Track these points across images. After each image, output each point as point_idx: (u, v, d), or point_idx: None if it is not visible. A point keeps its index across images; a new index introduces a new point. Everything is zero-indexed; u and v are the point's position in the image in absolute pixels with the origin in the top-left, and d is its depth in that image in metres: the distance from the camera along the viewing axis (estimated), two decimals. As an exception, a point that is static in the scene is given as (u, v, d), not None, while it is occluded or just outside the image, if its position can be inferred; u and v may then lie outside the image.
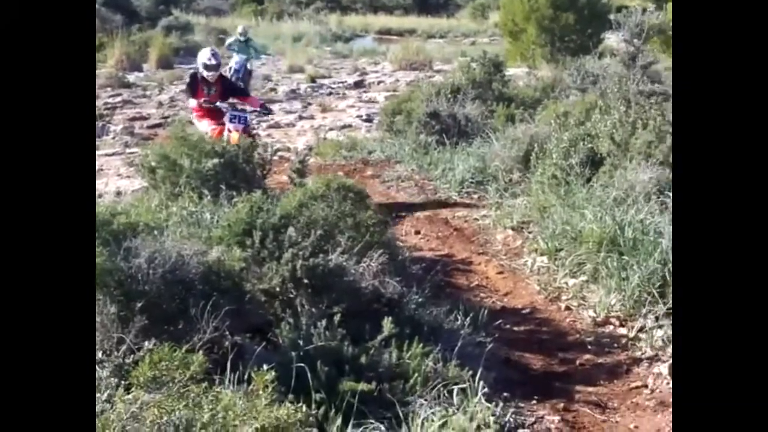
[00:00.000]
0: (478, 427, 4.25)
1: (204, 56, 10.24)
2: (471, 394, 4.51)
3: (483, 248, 8.26)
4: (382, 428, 4.15)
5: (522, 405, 4.99)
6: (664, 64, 14.55)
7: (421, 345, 4.87)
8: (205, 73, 10.15)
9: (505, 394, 4.99)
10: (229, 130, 9.63)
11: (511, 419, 4.68)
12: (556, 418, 4.89)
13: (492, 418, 4.37)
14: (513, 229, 8.55)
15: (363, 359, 4.64)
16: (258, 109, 10.49)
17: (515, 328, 6.27)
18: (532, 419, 4.86)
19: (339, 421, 4.08)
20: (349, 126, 16.20)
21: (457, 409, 4.38)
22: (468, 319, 5.69)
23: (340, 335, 4.74)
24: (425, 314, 5.63)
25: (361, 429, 4.14)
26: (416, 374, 4.66)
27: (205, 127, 10.05)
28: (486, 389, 4.63)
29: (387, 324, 4.85)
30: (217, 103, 10.03)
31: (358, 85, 22.66)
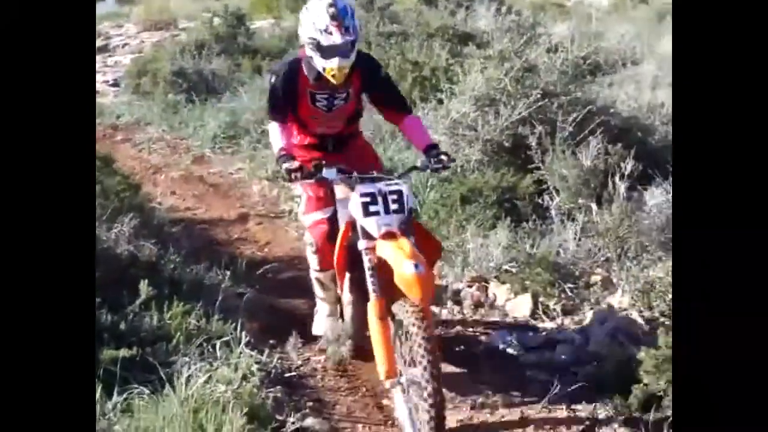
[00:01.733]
0: (244, 376, 4.27)
1: (316, 20, 4.51)
2: (234, 346, 4.52)
3: (240, 201, 8.25)
4: (146, 391, 4.10)
5: (288, 349, 5.05)
6: (402, 5, 14.91)
7: (182, 304, 4.84)
8: (326, 65, 4.56)
9: (271, 341, 5.05)
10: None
11: (278, 364, 4.74)
12: (322, 357, 5.00)
13: (256, 366, 4.41)
14: (268, 179, 8.57)
15: (122, 326, 4.56)
16: (433, 155, 4.58)
17: (278, 276, 6.32)
18: (299, 362, 4.95)
19: (99, 390, 3.99)
20: (96, 92, 15.58)
21: (221, 363, 4.38)
22: (228, 272, 5.68)
23: (97, 304, 4.61)
24: (185, 273, 5.58)
25: (125, 395, 4.06)
26: (179, 333, 4.63)
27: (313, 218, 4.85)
28: (250, 339, 4.66)
29: (143, 287, 4.79)
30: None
31: (101, 50, 21.76)
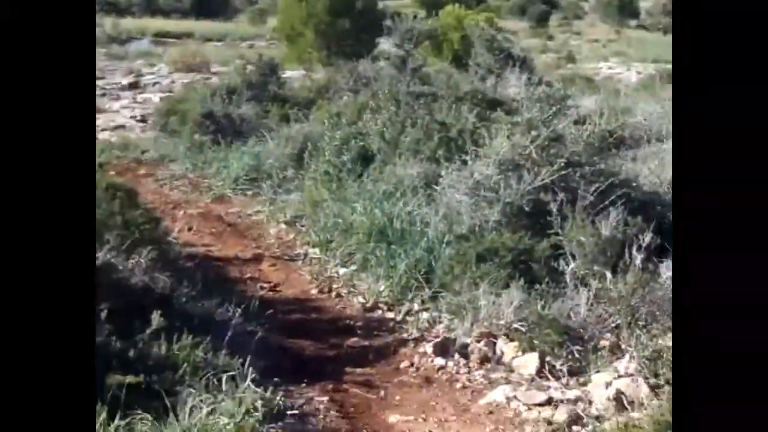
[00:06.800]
0: (247, 411, 4.30)
1: None
2: (240, 381, 4.55)
3: (256, 242, 8.31)
4: (150, 418, 4.12)
5: (292, 388, 5.07)
6: (434, 67, 15.09)
7: (191, 337, 4.87)
8: None
9: (275, 379, 5.06)
10: None
11: (281, 402, 4.74)
12: (325, 398, 5.01)
13: (260, 402, 4.43)
14: (286, 223, 8.67)
15: (131, 353, 4.59)
16: None
17: (288, 317, 6.35)
18: (302, 401, 4.96)
19: (104, 414, 4.01)
20: (122, 126, 15.72)
21: (226, 396, 4.41)
22: (239, 309, 5.71)
23: (107, 331, 4.65)
24: (196, 307, 5.63)
25: (127, 420, 4.09)
26: (186, 365, 4.66)
27: None
28: (255, 375, 4.67)
29: (155, 317, 4.82)
30: None
31: (132, 86, 22.02)
